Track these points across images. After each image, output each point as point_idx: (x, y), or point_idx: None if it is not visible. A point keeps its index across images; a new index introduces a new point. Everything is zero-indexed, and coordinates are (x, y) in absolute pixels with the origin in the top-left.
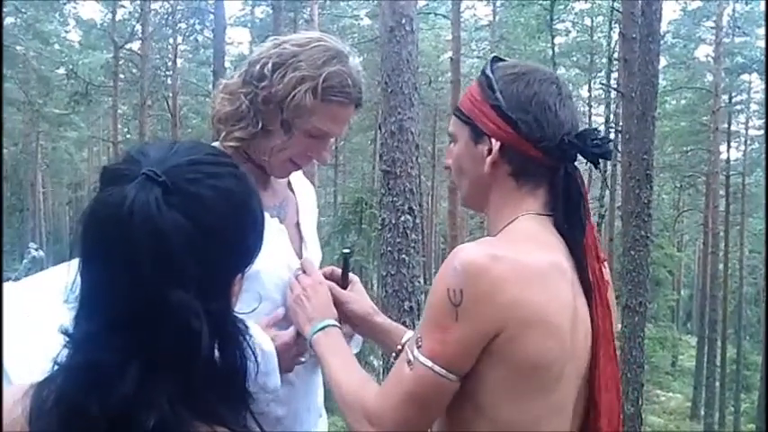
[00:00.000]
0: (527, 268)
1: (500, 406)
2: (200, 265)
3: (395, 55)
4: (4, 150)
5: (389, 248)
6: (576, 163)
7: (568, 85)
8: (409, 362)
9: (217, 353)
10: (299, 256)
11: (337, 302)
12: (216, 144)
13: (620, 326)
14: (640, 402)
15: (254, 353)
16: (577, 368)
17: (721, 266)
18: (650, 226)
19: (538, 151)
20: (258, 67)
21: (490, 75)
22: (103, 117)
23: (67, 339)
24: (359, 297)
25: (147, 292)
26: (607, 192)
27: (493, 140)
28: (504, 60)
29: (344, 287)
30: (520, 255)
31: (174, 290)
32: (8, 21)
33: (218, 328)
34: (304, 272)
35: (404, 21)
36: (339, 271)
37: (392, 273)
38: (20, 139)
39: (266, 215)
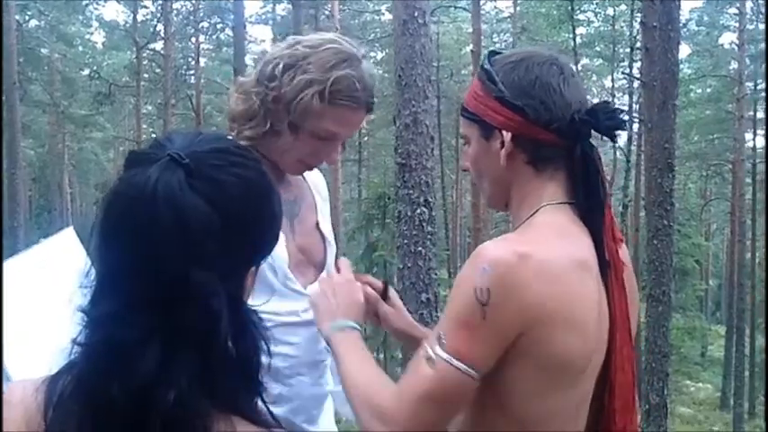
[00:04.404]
0: (553, 266)
1: (526, 405)
2: (218, 248)
3: (408, 48)
4: (31, 152)
5: (406, 241)
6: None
7: (570, 66)
8: (429, 359)
9: (231, 343)
10: (322, 249)
11: (379, 316)
12: None
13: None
14: (666, 392)
15: (266, 344)
16: (600, 359)
17: (749, 255)
18: (673, 215)
19: (550, 134)
20: (270, 67)
21: (489, 68)
22: (128, 117)
23: (86, 319)
24: (399, 312)
25: (169, 271)
26: (632, 181)
27: (504, 132)
28: (501, 53)
29: (385, 300)
30: (545, 252)
31: (195, 269)
32: (32, 23)
33: (234, 314)
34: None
35: (416, 13)
36: (378, 283)
37: (408, 265)
38: (46, 141)
39: None
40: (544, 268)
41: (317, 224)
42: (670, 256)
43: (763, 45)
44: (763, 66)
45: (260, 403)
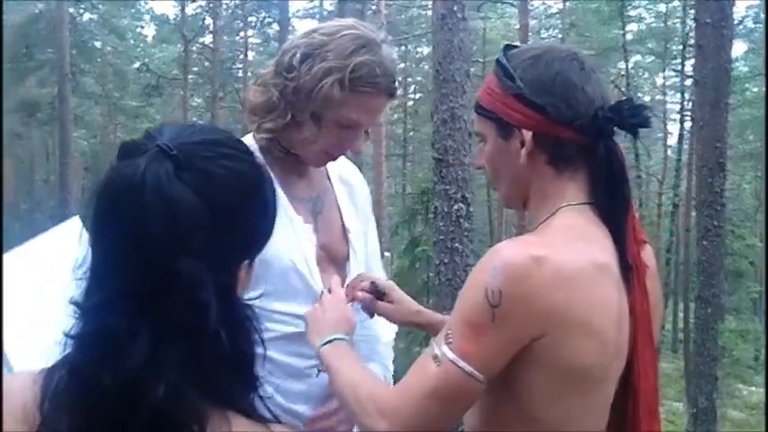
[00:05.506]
0: (570, 271)
1: (545, 409)
2: (207, 239)
3: (446, 42)
4: (84, 142)
5: (442, 237)
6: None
7: (590, 60)
8: (435, 357)
9: (224, 336)
10: (345, 246)
11: (381, 314)
12: (249, 136)
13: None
14: (715, 396)
15: (261, 339)
16: (621, 364)
17: None
18: (723, 215)
19: (572, 132)
20: (288, 57)
21: (506, 63)
22: (177, 109)
23: (77, 310)
24: (398, 305)
25: (156, 261)
26: (683, 181)
27: (524, 131)
28: (517, 47)
29: (381, 298)
30: (562, 255)
31: (182, 259)
32: (85, 17)
33: (226, 307)
34: (329, 291)
35: (455, 8)
36: (367, 285)
37: (445, 261)
38: (98, 131)
39: (287, 206)
40: (560, 273)
41: (342, 221)
42: (720, 258)
43: None
44: None
45: (257, 399)
